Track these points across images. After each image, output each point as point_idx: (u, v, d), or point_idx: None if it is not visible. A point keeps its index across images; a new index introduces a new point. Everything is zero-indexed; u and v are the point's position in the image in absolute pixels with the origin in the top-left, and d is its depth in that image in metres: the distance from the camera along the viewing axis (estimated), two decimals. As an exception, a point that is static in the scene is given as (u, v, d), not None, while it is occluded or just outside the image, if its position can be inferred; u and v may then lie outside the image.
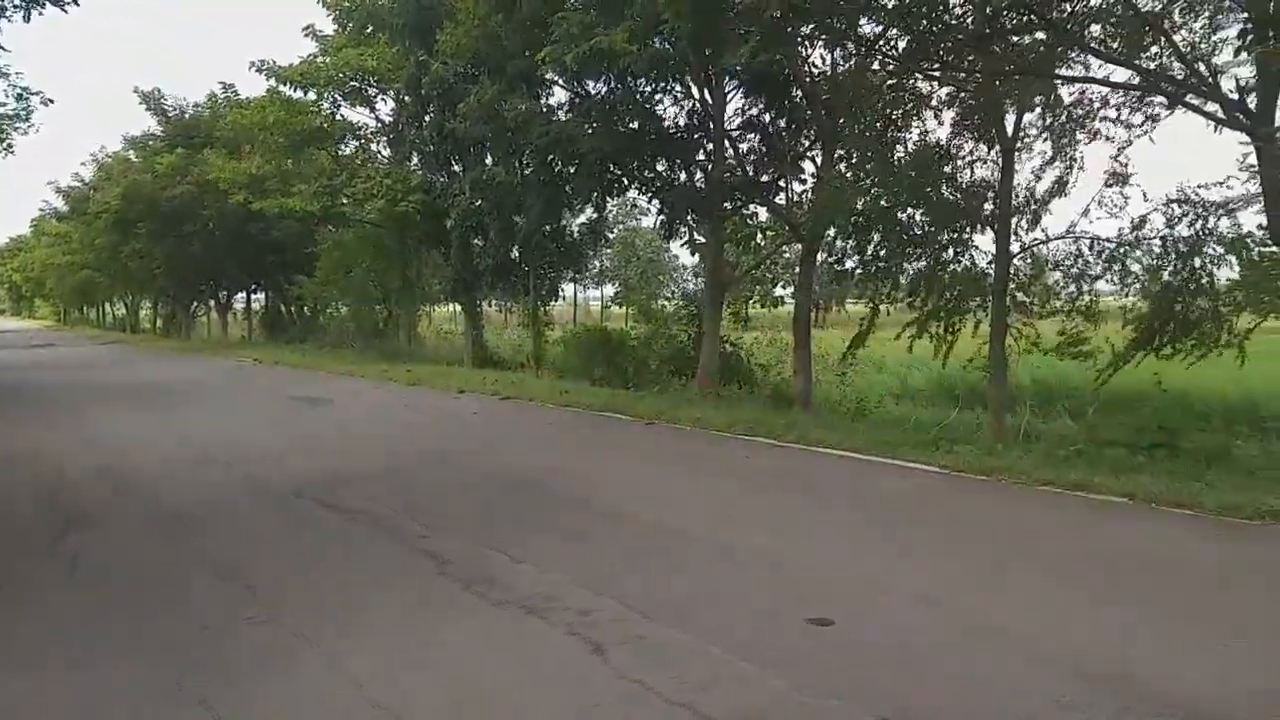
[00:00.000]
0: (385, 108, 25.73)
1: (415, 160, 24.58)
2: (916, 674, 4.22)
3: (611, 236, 40.48)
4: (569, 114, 16.33)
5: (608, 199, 18.89)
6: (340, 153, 26.33)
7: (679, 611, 5.01)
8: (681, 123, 15.77)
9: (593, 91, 15.76)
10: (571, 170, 16.28)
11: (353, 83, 24.25)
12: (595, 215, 22.13)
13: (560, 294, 26.15)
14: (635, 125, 15.11)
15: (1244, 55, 8.94)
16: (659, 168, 15.98)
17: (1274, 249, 9.28)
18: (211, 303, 43.08)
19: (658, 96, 15.40)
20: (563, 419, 13.68)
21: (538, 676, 4.26)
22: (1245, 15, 8.86)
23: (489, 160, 20.77)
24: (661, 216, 16.78)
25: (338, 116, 25.24)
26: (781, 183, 15.35)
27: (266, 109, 24.46)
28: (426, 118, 22.12)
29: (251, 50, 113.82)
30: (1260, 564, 6.09)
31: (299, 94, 24.19)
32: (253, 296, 41.98)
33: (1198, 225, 9.96)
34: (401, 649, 4.58)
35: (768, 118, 15.27)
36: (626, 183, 16.43)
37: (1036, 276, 11.31)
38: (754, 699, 3.98)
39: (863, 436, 10.79)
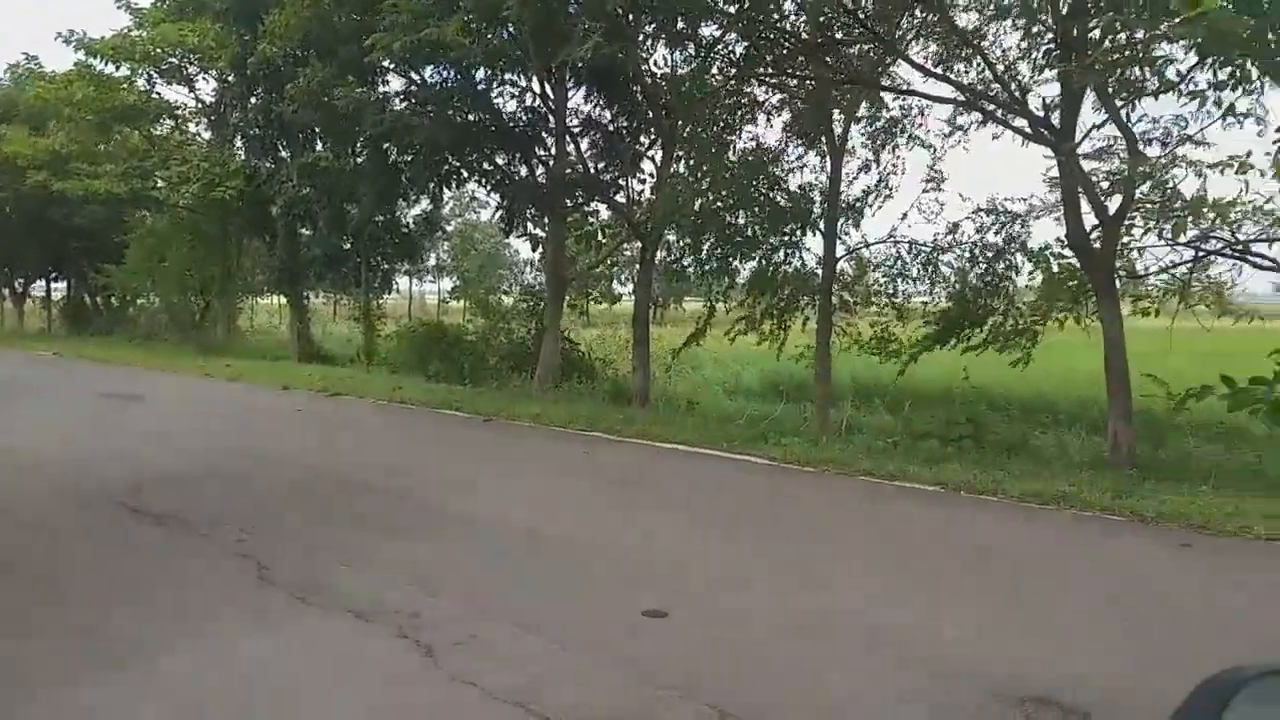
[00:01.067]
0: (207, 87, 24.24)
1: (239, 144, 23.22)
2: (751, 662, 4.32)
3: (449, 229, 39.69)
4: (404, 102, 15.85)
5: (445, 190, 18.48)
6: (154, 133, 24.51)
7: (513, 609, 4.93)
8: (522, 117, 15.62)
9: (429, 81, 15.37)
10: (407, 160, 15.81)
11: (171, 60, 22.65)
12: (432, 206, 21.61)
13: (395, 287, 25.38)
14: (473, 117, 14.84)
15: (1049, 74, 9.69)
16: (499, 160, 15.78)
17: (1071, 257, 10.10)
18: (6, 291, 39.14)
19: (497, 89, 15.20)
20: (395, 416, 13.27)
21: (366, 683, 4.09)
22: (1051, 37, 9.61)
23: (318, 146, 19.89)
24: (501, 210, 16.56)
25: (153, 95, 23.49)
26: (622, 181, 15.47)
27: (74, 84, 22.48)
28: (252, 100, 20.97)
29: (59, 20, 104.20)
30: (1058, 546, 6.61)
31: (111, 69, 22.36)
32: (53, 285, 38.44)
33: (1003, 233, 10.77)
34: (218, 663, 4.28)
35: (608, 116, 15.35)
36: (465, 174, 16.11)
37: (859, 277, 11.92)
38: (588, 694, 3.96)
39: (698, 430, 11.04)
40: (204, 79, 23.87)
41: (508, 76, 14.97)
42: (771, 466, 9.18)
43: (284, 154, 21.29)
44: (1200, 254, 9.92)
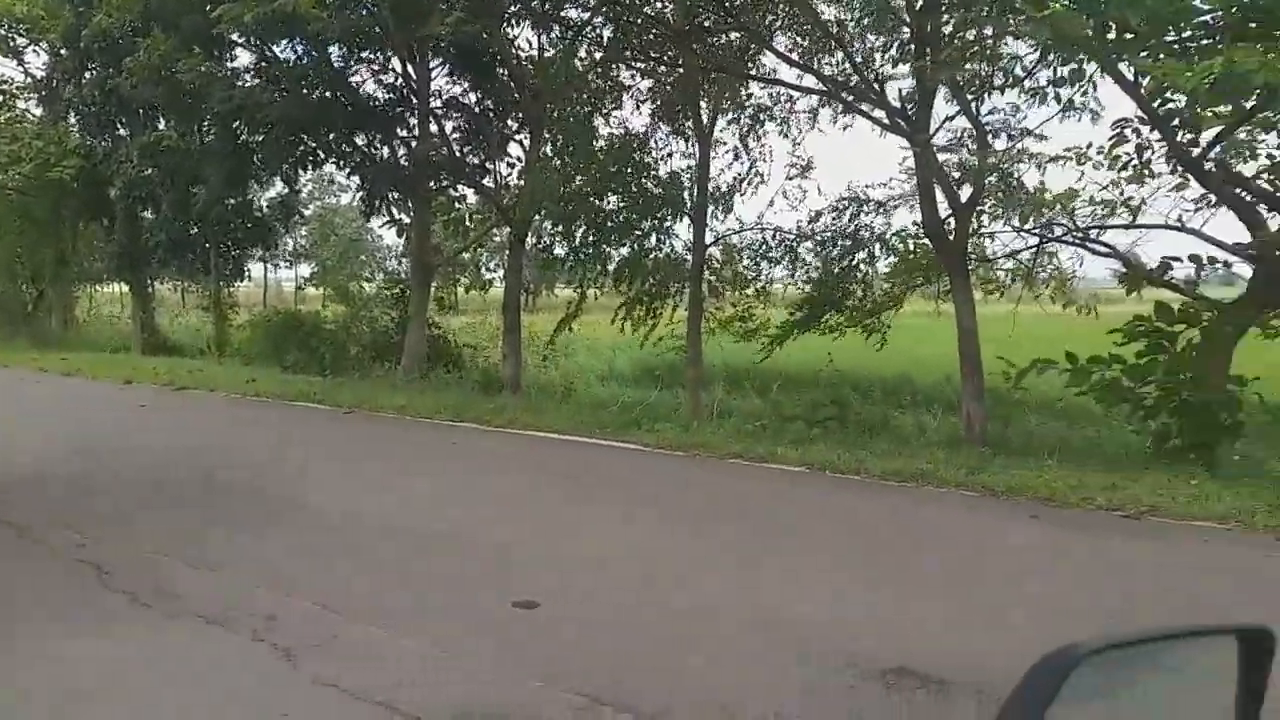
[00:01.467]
0: (38, 60, 22.39)
1: (73, 121, 21.55)
2: (623, 649, 4.27)
3: (307, 213, 38.10)
4: (256, 79, 15.02)
5: (300, 172, 17.65)
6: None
7: (377, 606, 4.72)
8: (383, 96, 15.07)
9: (282, 56, 14.63)
10: (258, 140, 15.02)
11: (-4, 30, 20.77)
12: (287, 189, 20.62)
13: (247, 274, 24.15)
14: (329, 95, 14.21)
15: (905, 68, 10.03)
16: (358, 141, 15.16)
17: (926, 241, 10.51)
18: None
19: (355, 66, 14.60)
20: (248, 410, 12.61)
21: (221, 692, 3.82)
22: (908, 33, 9.94)
23: (161, 124, 18.65)
24: (361, 193, 15.95)
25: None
26: (489, 165, 15.15)
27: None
28: (87, 74, 19.47)
29: None
30: (917, 522, 6.87)
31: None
32: None
33: (861, 220, 11.14)
34: (58, 676, 3.91)
35: (474, 97, 14.99)
36: (322, 155, 15.43)
37: (728, 263, 12.09)
38: (456, 691, 3.83)
39: (571, 418, 10.95)
40: (34, 51, 22.09)
41: (366, 54, 14.40)
42: (644, 452, 9.20)
43: (123, 132, 19.87)
44: (1045, 241, 10.52)
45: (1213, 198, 9.04)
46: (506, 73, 14.12)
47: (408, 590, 5.04)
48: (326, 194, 43.90)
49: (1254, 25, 7.45)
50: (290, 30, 12.81)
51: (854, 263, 11.47)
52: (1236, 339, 9.02)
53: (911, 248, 11.08)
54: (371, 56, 14.53)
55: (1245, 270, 9.41)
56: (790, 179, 11.56)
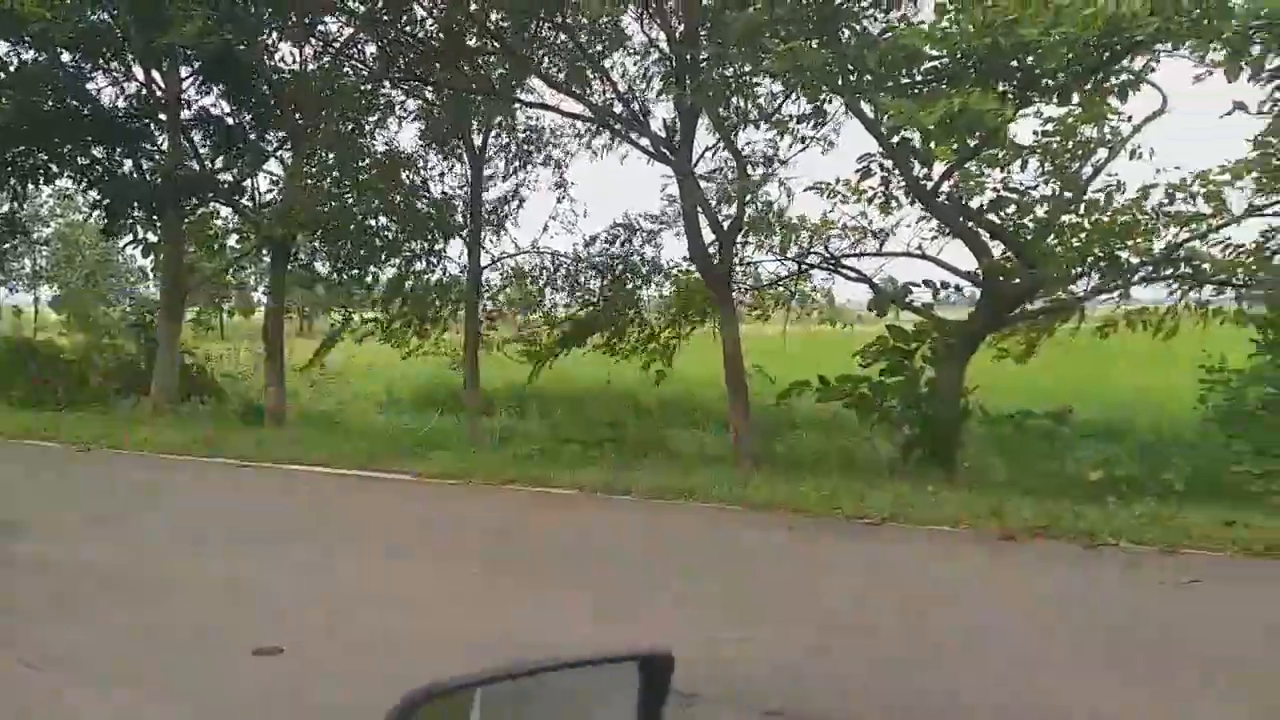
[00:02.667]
0: None
1: None
2: (364, 691, 4.04)
3: (47, 231, 34.52)
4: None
5: (30, 187, 15.84)
6: None
7: (101, 661, 4.24)
8: (125, 106, 13.83)
9: (5, 59, 13.14)
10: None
11: None
12: (14, 206, 18.43)
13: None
14: (63, 103, 12.89)
15: (668, 97, 10.35)
16: (96, 154, 13.82)
17: (695, 270, 10.88)
18: None
19: (92, 72, 13.33)
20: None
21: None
22: (668, 64, 10.28)
23: None
24: (99, 210, 14.52)
25: None
26: (247, 182, 14.22)
27: None
28: None
29: None
30: (678, 537, 7.03)
31: None
32: None
33: (631, 246, 11.40)
34: None
35: (230, 109, 14.05)
36: (55, 169, 13.94)
37: (504, 286, 12.02)
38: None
39: (340, 449, 10.42)
40: None
41: (105, 60, 13.18)
42: (414, 482, 8.90)
43: None
44: (803, 267, 11.16)
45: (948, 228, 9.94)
46: (267, 86, 13.36)
47: (135, 642, 4.56)
48: (71, 210, 39.87)
49: (973, 72, 8.24)
50: (13, 31, 11.52)
51: (630, 288, 11.69)
52: (968, 356, 9.92)
53: (685, 278, 11.45)
54: (110, 64, 13.30)
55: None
56: (560, 202, 11.69)
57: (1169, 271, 9.94)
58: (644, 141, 10.20)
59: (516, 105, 11.30)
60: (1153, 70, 8.92)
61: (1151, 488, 7.90)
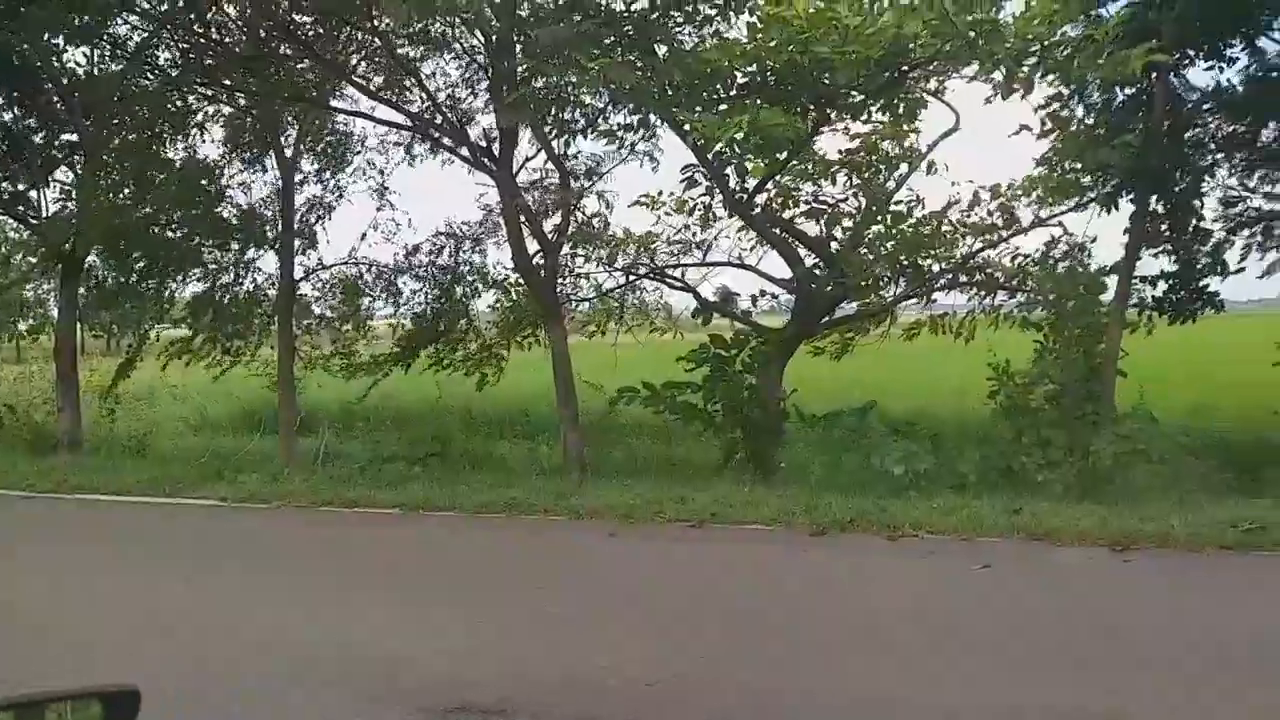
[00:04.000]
0: None
1: None
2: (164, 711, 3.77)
3: None
4: None
5: None
6: None
7: None
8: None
9: None
10: None
11: None
12: None
13: None
14: None
15: (489, 108, 10.25)
16: None
17: (519, 280, 10.82)
18: None
19: None
20: None
21: None
22: (490, 71, 10.17)
23: None
24: None
25: None
26: (33, 193, 13.05)
27: None
28: None
29: None
30: (500, 550, 6.95)
31: None
32: None
33: (456, 256, 11.22)
34: None
35: (12, 114, 12.85)
36: None
37: (320, 298, 11.60)
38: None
39: (140, 476, 9.74)
40: None
41: None
42: (221, 507, 8.41)
43: None
44: (630, 278, 11.31)
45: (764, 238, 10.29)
46: (55, 90, 12.32)
47: None
48: None
49: (785, 88, 8.57)
50: None
51: (456, 298, 11.50)
52: (784, 361, 10.30)
53: (513, 293, 11.38)
54: None
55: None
56: (380, 210, 11.37)
57: (965, 279, 10.71)
58: (464, 150, 10.07)
59: (330, 112, 10.90)
60: (943, 90, 9.63)
61: (948, 480, 8.43)
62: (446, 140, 10.30)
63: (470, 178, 10.30)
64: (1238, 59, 9.50)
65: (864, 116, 9.12)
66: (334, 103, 10.75)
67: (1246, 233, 10.10)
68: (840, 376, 12.19)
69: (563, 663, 4.54)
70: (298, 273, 11.29)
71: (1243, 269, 10.55)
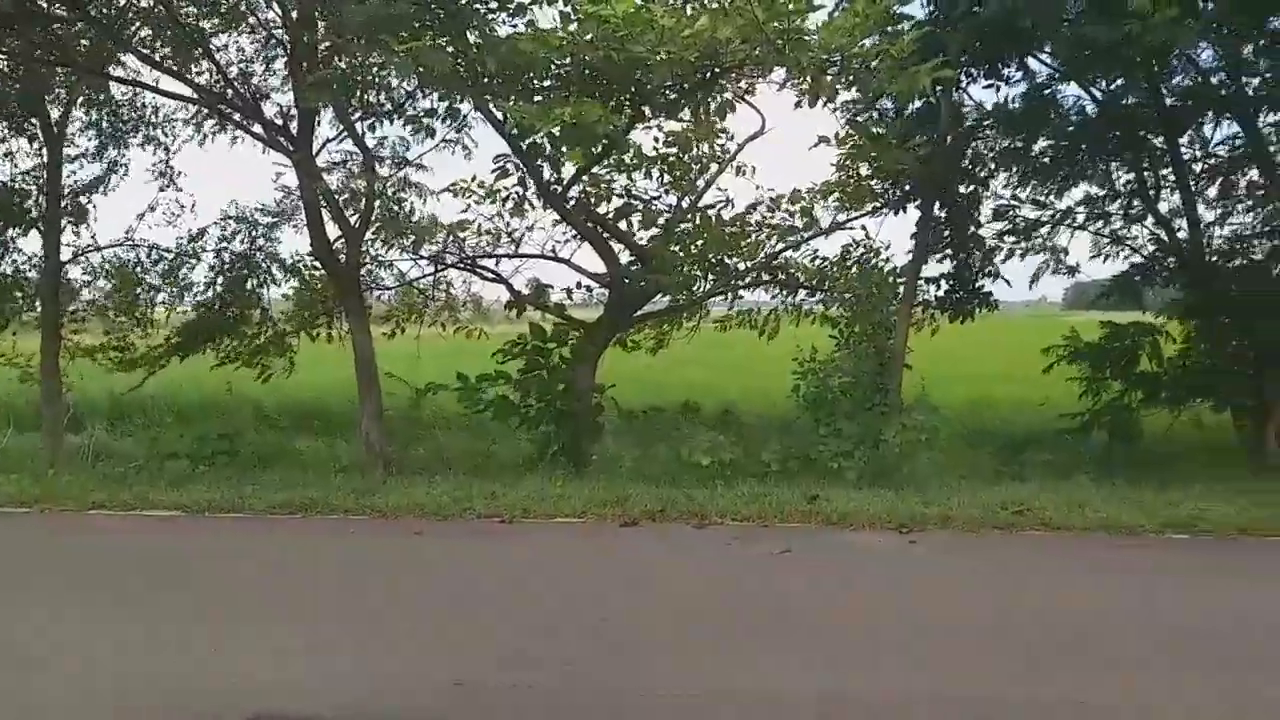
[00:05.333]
0: None
1: None
2: None
3: None
4: None
5: None
6: None
7: None
8: None
9: None
10: None
11: None
12: None
13: None
14: None
15: (286, 86, 9.64)
16: None
17: (318, 265, 10.25)
18: None
19: None
20: None
21: None
22: (289, 47, 9.53)
23: None
24: None
25: None
26: None
27: None
28: None
29: None
30: (297, 554, 6.54)
31: None
32: None
33: (249, 240, 10.50)
34: None
35: None
36: None
37: (91, 283, 10.56)
38: None
39: None
40: None
41: None
42: (-32, 513, 7.48)
43: None
44: (439, 268, 10.97)
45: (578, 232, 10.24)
46: None
47: None
48: None
49: (601, 82, 8.55)
50: None
51: (250, 287, 10.75)
52: (599, 354, 10.33)
53: (309, 274, 10.77)
54: None
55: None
56: (164, 190, 10.44)
57: (769, 278, 11.13)
58: (257, 128, 9.42)
59: (106, 81, 9.88)
60: (752, 94, 9.95)
61: (752, 469, 8.73)
62: (238, 117, 9.59)
63: (266, 158, 9.64)
64: (1014, 78, 10.35)
65: (678, 115, 9.25)
66: (113, 71, 9.73)
67: (1013, 240, 11.00)
68: (653, 370, 12.36)
69: (366, 666, 4.32)
70: (65, 254, 10.21)
71: (1009, 283, 11.52)
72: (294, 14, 8.57)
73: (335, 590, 5.59)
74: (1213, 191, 10.83)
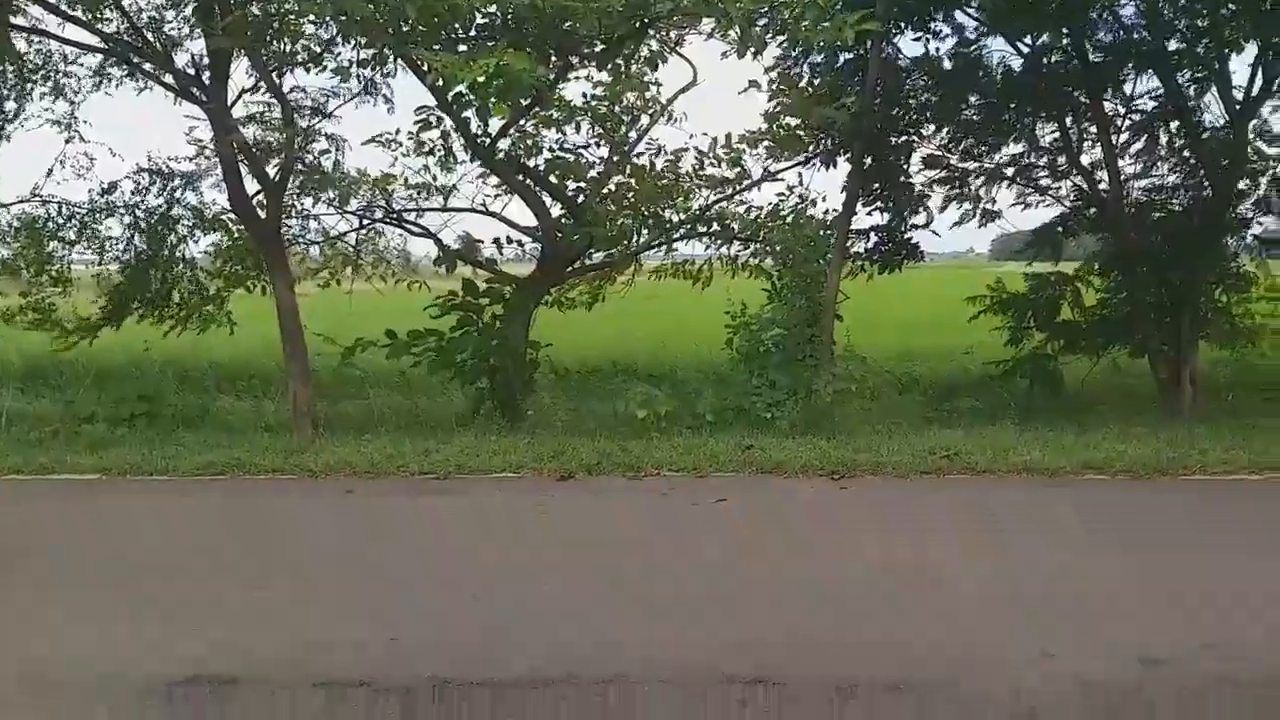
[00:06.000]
0: None
1: None
2: None
3: None
4: None
5: None
6: None
7: None
8: None
9: None
10: None
11: None
12: None
13: None
14: None
15: (198, 32, 9.19)
16: None
17: (236, 219, 9.91)
18: None
19: None
20: None
21: None
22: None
23: None
24: None
25: None
26: None
27: None
28: None
29: None
30: (227, 517, 6.39)
31: None
32: None
33: (166, 195, 10.10)
34: None
35: None
36: None
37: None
38: None
39: None
40: None
41: None
42: None
43: None
44: (364, 222, 10.71)
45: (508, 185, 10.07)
46: None
47: None
48: None
49: (526, 32, 8.34)
50: None
51: (172, 243, 10.36)
52: (532, 309, 10.23)
53: (232, 230, 10.40)
54: None
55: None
56: (70, 142, 9.93)
57: (703, 229, 11.10)
58: (168, 78, 9.00)
59: (7, 30, 9.30)
60: (683, 44, 9.83)
61: (687, 421, 8.80)
62: (147, 66, 9.14)
63: (178, 109, 9.22)
64: (944, 33, 10.41)
65: (607, 67, 9.10)
66: (11, 19, 9.16)
67: (943, 190, 11.13)
68: (589, 322, 12.28)
69: (297, 628, 4.27)
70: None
71: (936, 234, 11.65)
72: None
73: (266, 551, 5.49)
74: (1136, 146, 11.07)
